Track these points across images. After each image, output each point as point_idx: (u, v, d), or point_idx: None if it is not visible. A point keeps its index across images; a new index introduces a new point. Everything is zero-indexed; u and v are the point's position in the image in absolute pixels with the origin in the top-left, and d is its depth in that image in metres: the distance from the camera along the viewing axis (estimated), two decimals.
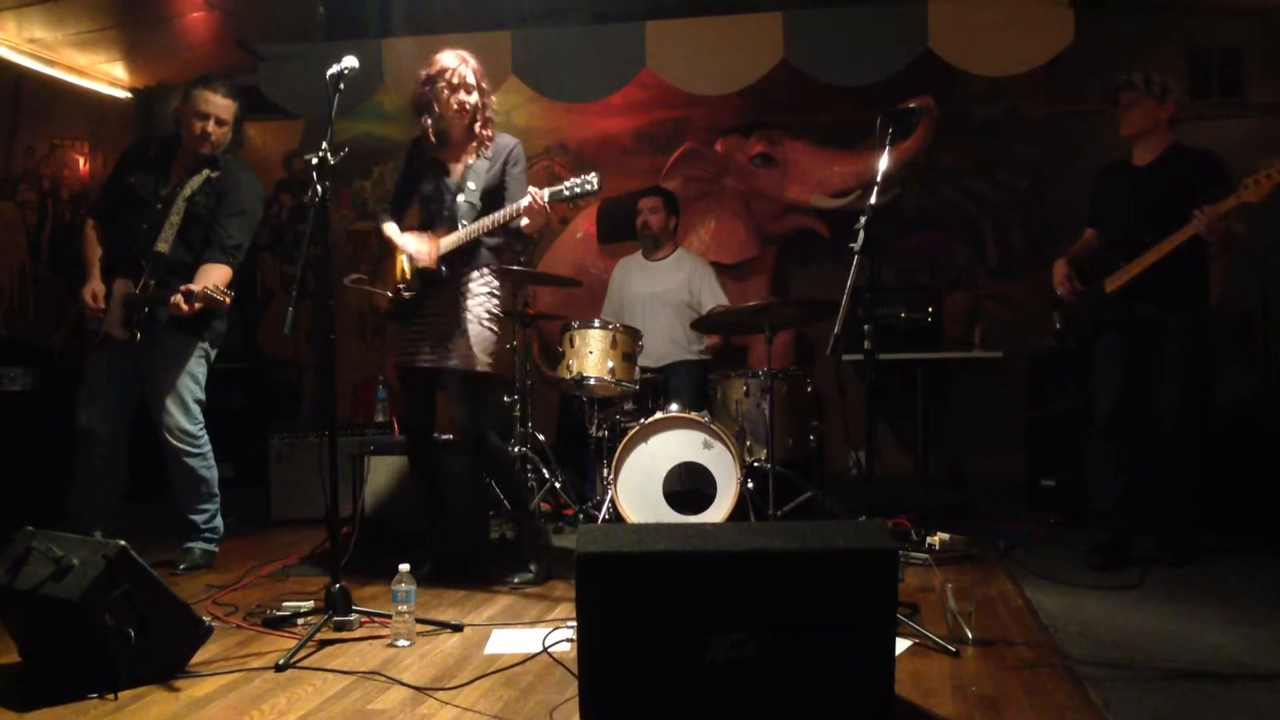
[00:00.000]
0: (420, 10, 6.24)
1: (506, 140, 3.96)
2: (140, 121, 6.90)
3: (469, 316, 3.85)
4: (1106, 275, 4.12)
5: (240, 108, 4.22)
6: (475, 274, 3.89)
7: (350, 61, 3.45)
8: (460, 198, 3.84)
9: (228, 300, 3.94)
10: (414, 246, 3.86)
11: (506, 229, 3.86)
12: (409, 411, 4.08)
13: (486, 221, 3.76)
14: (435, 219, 3.92)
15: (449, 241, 3.80)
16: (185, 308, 3.92)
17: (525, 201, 3.65)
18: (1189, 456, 4.06)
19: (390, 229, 3.97)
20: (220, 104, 4.14)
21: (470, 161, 3.91)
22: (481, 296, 3.89)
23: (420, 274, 3.84)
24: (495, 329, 3.92)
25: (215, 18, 5.90)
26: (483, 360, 3.86)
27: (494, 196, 3.85)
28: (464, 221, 3.80)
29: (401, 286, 3.88)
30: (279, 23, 6.17)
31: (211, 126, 4.13)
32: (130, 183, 4.19)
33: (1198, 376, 4.08)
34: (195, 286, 3.93)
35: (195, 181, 4.14)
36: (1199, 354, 4.07)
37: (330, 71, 3.44)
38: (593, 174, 3.62)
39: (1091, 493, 4.32)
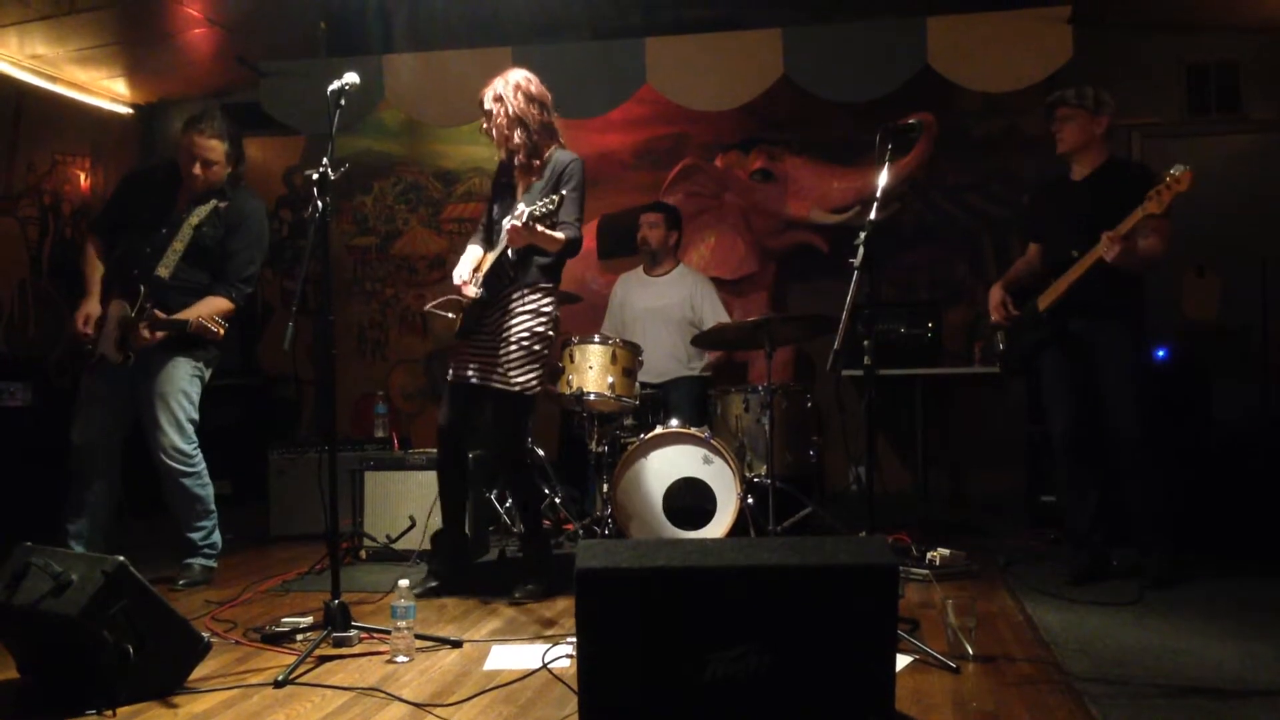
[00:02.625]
0: (421, 26, 6.26)
1: (563, 158, 3.93)
2: (141, 137, 6.93)
3: (509, 336, 3.86)
4: (1041, 293, 4.12)
5: (233, 143, 4.19)
6: (521, 294, 3.90)
7: (351, 77, 3.47)
8: (507, 219, 3.85)
9: (221, 332, 3.93)
10: (457, 272, 3.93)
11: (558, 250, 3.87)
12: (446, 421, 4.04)
13: (499, 247, 3.82)
14: (495, 240, 3.95)
15: (484, 264, 3.88)
16: (148, 336, 3.94)
17: (506, 230, 3.70)
18: (1157, 472, 3.99)
19: (468, 250, 4.03)
20: (207, 145, 4.11)
21: (532, 182, 3.94)
22: (525, 317, 3.89)
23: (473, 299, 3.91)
24: (539, 349, 3.91)
25: (216, 34, 5.92)
26: (520, 382, 3.87)
27: (549, 217, 3.77)
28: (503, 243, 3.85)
29: (466, 306, 3.94)
30: (280, 39, 6.20)
31: (198, 169, 4.12)
32: (135, 205, 4.20)
33: (1144, 386, 4.02)
34: (190, 315, 3.94)
35: (203, 210, 4.15)
36: (1139, 363, 4.03)
37: (331, 87, 3.45)
38: (550, 198, 3.66)
39: (1066, 515, 4.30)
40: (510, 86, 3.87)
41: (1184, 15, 5.85)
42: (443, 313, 4.01)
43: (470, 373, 3.93)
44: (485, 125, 3.93)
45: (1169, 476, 4.05)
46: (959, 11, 5.25)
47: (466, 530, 4.25)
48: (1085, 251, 3.89)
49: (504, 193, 4.06)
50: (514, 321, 3.88)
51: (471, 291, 3.88)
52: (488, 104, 3.90)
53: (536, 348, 3.91)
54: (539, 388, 3.97)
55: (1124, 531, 4.14)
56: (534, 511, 4.18)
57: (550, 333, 3.96)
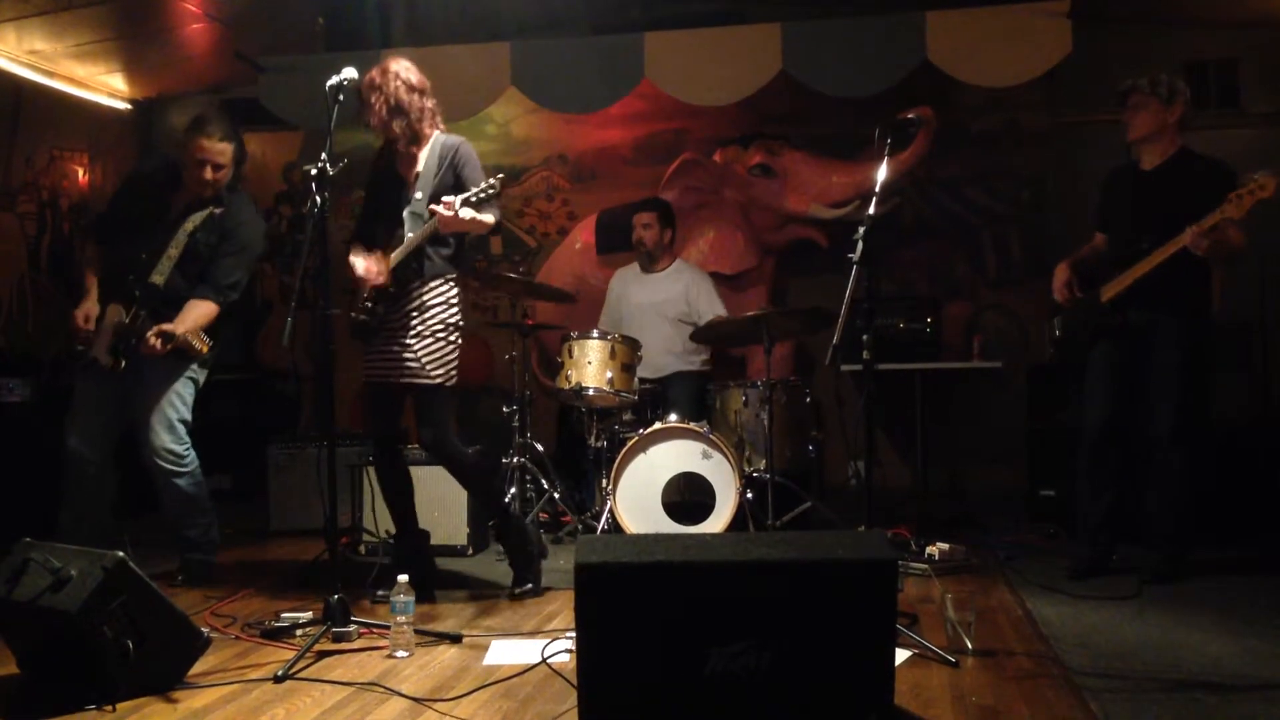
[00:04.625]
0: (420, 21, 6.26)
1: (449, 142, 3.87)
2: (139, 133, 6.92)
3: (423, 330, 3.79)
4: (1105, 283, 4.06)
5: (238, 146, 4.16)
6: (429, 285, 3.83)
7: (349, 73, 3.47)
8: (406, 210, 3.78)
9: (205, 349, 3.90)
10: (362, 267, 3.81)
11: (460, 238, 3.83)
12: (374, 425, 4.03)
13: (418, 235, 3.72)
14: (393, 233, 3.85)
15: (394, 256, 3.77)
16: (158, 347, 3.90)
17: (435, 219, 3.62)
18: (1186, 473, 3.95)
19: (354, 253, 3.91)
20: (216, 149, 4.07)
21: (419, 170, 3.85)
22: (437, 308, 3.82)
23: (376, 292, 3.81)
24: (452, 339, 3.85)
25: (215, 29, 5.92)
26: (435, 373, 3.79)
27: (489, 202, 3.70)
28: (409, 234, 3.76)
29: (363, 306, 3.84)
30: (278, 34, 6.19)
31: (209, 173, 4.07)
32: (132, 209, 4.17)
33: (1197, 388, 3.97)
34: (176, 328, 3.91)
35: (198, 217, 4.10)
36: (1198, 365, 3.95)
37: (329, 83, 3.44)
38: (494, 178, 3.61)
39: (1080, 507, 4.27)
40: (389, 76, 3.79)
41: (1183, 10, 5.85)
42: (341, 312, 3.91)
43: (381, 372, 3.85)
44: (366, 116, 3.85)
45: (1198, 477, 3.99)
46: (958, 6, 5.25)
47: (420, 525, 4.14)
48: (1156, 244, 3.84)
49: (388, 182, 3.95)
50: (427, 315, 3.80)
51: (382, 281, 3.78)
52: (364, 95, 3.80)
53: (453, 338, 3.85)
54: (456, 378, 3.91)
55: (1125, 529, 4.14)
56: (486, 494, 4.12)
57: (462, 321, 3.91)
